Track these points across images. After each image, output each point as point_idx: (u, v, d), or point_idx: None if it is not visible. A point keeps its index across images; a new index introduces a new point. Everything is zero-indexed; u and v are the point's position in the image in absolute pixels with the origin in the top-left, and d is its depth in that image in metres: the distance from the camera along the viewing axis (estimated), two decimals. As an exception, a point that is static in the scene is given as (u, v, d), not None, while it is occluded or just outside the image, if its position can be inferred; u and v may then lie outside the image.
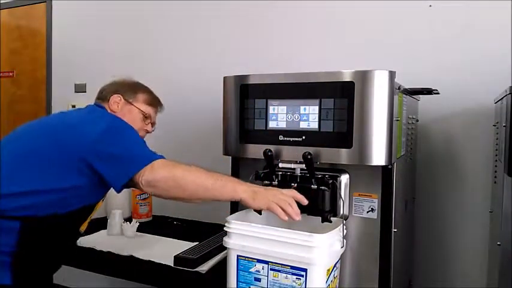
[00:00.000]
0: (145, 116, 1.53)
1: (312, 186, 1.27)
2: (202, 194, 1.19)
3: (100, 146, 1.22)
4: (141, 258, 1.52)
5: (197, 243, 1.62)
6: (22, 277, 1.21)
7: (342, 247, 1.20)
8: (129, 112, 1.49)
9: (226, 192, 1.18)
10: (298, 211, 1.16)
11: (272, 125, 1.30)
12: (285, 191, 1.20)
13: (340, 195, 1.29)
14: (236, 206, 1.35)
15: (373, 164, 1.19)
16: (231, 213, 1.31)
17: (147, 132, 1.56)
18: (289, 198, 1.17)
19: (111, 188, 1.27)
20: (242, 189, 1.17)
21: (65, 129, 1.27)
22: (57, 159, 1.21)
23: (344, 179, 1.31)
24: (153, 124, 1.58)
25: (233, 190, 1.18)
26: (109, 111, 1.47)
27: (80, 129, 1.26)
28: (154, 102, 1.57)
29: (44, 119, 1.47)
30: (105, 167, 1.21)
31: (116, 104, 1.49)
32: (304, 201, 1.19)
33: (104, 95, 1.52)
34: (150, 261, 1.50)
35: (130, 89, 1.52)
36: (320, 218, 1.27)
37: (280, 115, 1.28)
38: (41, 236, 1.24)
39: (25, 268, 1.22)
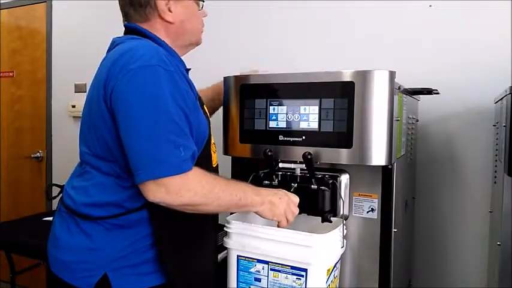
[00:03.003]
0: (197, 3, 1.20)
1: (312, 186, 1.27)
2: (221, 211, 1.12)
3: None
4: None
5: (197, 243, 1.62)
6: (175, 270, 1.08)
7: (342, 247, 1.20)
8: (185, 11, 1.15)
9: (244, 209, 1.15)
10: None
11: (272, 125, 1.30)
12: (293, 197, 1.19)
13: (340, 195, 1.29)
14: (236, 206, 1.36)
15: (373, 164, 1.19)
16: (231, 213, 1.31)
17: (205, 16, 1.24)
18: (297, 209, 1.18)
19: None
20: (259, 203, 1.13)
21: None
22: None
23: (344, 179, 1.31)
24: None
25: (252, 206, 1.12)
26: (160, 30, 1.15)
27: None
28: None
29: None
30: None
31: (167, 9, 1.13)
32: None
33: (141, 11, 1.13)
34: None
35: None
36: (320, 218, 1.27)
37: (280, 115, 1.28)
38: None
39: (174, 258, 1.09)
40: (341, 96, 1.20)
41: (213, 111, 1.51)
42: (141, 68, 0.99)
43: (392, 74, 1.18)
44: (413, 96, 1.60)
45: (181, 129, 1.00)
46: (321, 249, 1.11)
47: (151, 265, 1.08)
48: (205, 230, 1.20)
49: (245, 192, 1.11)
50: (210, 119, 1.41)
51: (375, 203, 1.29)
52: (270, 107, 1.30)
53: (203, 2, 1.22)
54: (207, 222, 1.20)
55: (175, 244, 1.10)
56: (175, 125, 0.99)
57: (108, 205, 1.07)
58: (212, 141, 1.24)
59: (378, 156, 1.18)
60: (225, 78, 1.41)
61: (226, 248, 1.23)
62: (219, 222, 1.29)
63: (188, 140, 1.02)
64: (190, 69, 1.23)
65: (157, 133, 0.96)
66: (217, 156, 1.44)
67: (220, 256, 1.46)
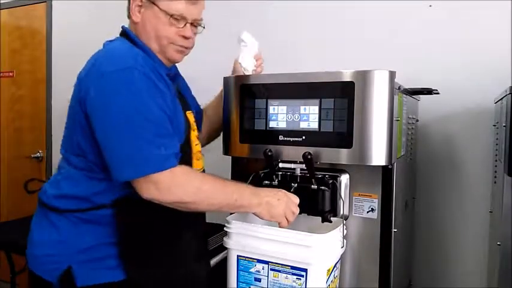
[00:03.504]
0: (175, 17, 1.12)
1: (312, 186, 1.27)
2: (214, 211, 1.13)
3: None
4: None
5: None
6: (136, 267, 1.08)
7: (342, 247, 1.20)
8: (150, 18, 1.12)
9: (241, 210, 1.16)
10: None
11: (272, 125, 1.30)
12: (293, 197, 1.19)
13: (340, 195, 1.29)
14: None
15: (373, 164, 1.19)
16: (231, 213, 1.31)
17: (186, 38, 1.15)
18: (297, 209, 1.18)
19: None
20: (256, 204, 1.13)
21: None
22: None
23: (344, 179, 1.31)
24: (195, 24, 1.16)
25: (248, 207, 1.13)
26: (133, 30, 1.16)
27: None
28: None
29: None
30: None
31: (137, 10, 1.12)
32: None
33: (127, 7, 1.17)
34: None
35: None
36: (320, 218, 1.27)
37: (280, 115, 1.28)
38: (140, 208, 1.05)
39: (138, 256, 1.09)
40: (341, 96, 1.19)
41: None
42: (116, 71, 1.00)
43: (392, 74, 1.18)
44: (413, 96, 1.60)
45: (161, 128, 1.01)
46: (321, 249, 1.11)
47: (115, 260, 1.08)
48: (178, 238, 1.17)
49: (242, 194, 1.12)
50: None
51: (375, 203, 1.29)
52: (270, 107, 1.30)
53: (184, 20, 1.15)
54: (183, 230, 1.18)
55: (139, 246, 1.10)
56: (154, 125, 1.00)
57: (75, 198, 1.08)
58: (198, 149, 1.23)
59: (378, 156, 1.18)
60: (225, 78, 1.41)
61: (225, 249, 1.23)
62: (219, 223, 1.29)
63: (169, 139, 1.03)
64: (173, 73, 1.23)
65: (136, 135, 0.98)
66: (217, 156, 1.44)
67: (214, 260, 1.46)
